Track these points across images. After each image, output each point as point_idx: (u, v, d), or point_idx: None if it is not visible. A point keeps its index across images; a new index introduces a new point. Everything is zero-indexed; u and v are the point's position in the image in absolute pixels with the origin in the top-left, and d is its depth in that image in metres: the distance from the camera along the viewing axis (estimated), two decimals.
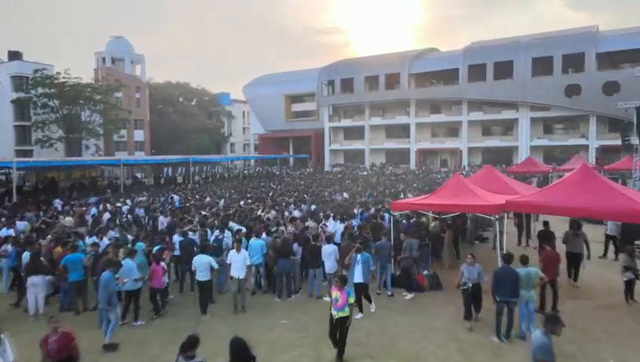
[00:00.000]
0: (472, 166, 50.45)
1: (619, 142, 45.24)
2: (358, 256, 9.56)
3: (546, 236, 11.44)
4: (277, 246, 11.01)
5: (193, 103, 69.92)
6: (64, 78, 45.60)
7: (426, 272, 11.83)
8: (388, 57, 57.86)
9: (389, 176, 35.63)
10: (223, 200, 20.25)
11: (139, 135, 57.55)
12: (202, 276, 9.92)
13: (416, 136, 54.98)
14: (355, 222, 13.65)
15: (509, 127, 51.93)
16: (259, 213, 16.67)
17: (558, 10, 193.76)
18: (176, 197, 21.75)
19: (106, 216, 16.56)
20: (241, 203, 19.65)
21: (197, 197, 22.02)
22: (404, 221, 13.95)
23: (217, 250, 11.65)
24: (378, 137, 58.58)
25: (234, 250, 10.05)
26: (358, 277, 9.47)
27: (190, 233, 12.42)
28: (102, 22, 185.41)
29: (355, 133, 60.01)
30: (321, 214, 14.83)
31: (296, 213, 15.97)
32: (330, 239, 11.02)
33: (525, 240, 16.17)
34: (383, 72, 55.85)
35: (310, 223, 14.01)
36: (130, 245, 11.53)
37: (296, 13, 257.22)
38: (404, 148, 55.65)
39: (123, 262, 9.25)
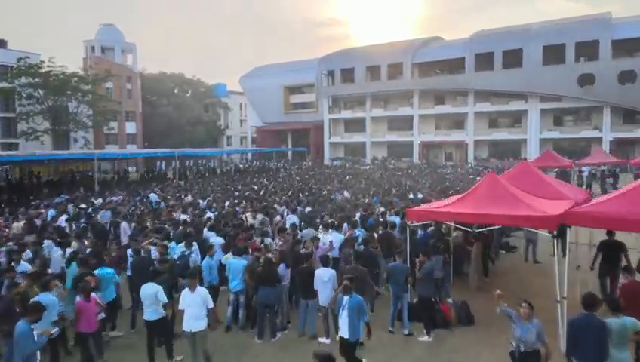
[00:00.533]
0: (479, 160, 47.72)
1: (634, 134, 42.80)
2: (345, 298, 6.61)
3: (613, 248, 8.63)
4: (257, 271, 8.23)
5: (188, 95, 66.86)
6: (48, 66, 42.74)
7: (451, 300, 9.05)
8: (390, 46, 54.84)
9: (394, 171, 32.80)
10: (205, 201, 17.41)
11: (131, 127, 54.64)
12: (150, 313, 7.15)
13: (420, 128, 52.06)
14: (358, 233, 10.81)
15: (517, 119, 49.02)
16: (245, 216, 13.92)
17: (559, 3, 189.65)
18: (153, 197, 18.91)
19: (62, 221, 13.80)
20: (227, 203, 16.87)
21: (177, 195, 19.17)
22: (418, 230, 11.17)
23: (183, 271, 8.91)
24: (380, 129, 55.66)
25: (187, 289, 6.89)
26: (343, 329, 6.55)
27: (152, 247, 9.67)
28: (94, 11, 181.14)
29: (356, 125, 57.08)
30: (318, 220, 12.04)
31: (290, 218, 13.15)
32: (325, 261, 8.16)
33: (561, 250, 13.36)
34: (385, 61, 52.81)
35: (306, 232, 11.26)
36: (65, 266, 8.79)
37: (295, 5, 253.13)
38: (407, 140, 52.77)
39: (40, 299, 6.47)
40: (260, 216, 13.23)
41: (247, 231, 11.38)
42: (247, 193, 19.59)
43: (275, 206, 15.55)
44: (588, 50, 42.28)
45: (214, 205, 16.48)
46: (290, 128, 62.49)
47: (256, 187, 22.75)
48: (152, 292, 7.02)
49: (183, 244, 9.51)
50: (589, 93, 42.48)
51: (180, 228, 11.74)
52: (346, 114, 57.82)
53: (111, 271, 8.45)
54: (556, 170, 29.54)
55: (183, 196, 18.94)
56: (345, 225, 11.46)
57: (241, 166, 48.43)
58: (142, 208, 15.88)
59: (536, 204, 8.40)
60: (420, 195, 17.81)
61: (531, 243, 12.96)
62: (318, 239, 9.67)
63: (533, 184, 10.30)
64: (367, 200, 16.70)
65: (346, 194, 18.90)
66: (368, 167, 44.31)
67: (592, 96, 42.45)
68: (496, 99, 48.38)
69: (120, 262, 9.35)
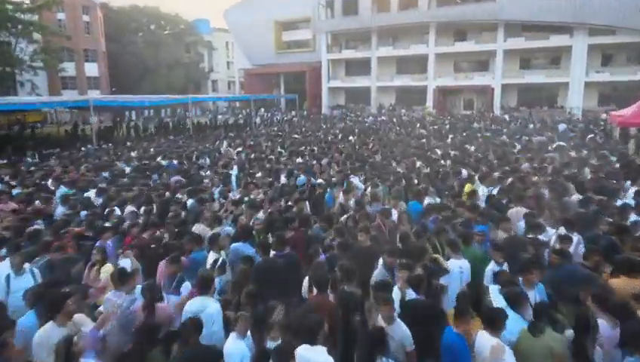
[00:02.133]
0: (506, 108, 38.04)
1: None
2: None
3: None
4: None
5: (166, 32, 55.50)
6: None
7: None
8: None
9: (414, 127, 23.32)
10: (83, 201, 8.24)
11: (92, 69, 44.11)
12: None
13: (436, 70, 41.77)
14: None
15: (555, 58, 38.70)
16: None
17: None
18: None
19: None
20: (109, 210, 7.75)
21: (43, 182, 9.99)
22: None
23: None
24: (387, 72, 45.14)
25: None
26: None
27: None
28: None
29: (360, 66, 46.42)
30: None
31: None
32: None
33: None
34: None
35: None
36: None
37: None
38: (420, 85, 42.55)
39: None
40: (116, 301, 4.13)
41: None
42: (173, 181, 10.27)
43: (197, 232, 6.43)
44: None
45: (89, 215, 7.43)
46: (283, 71, 51.95)
47: (204, 161, 13.39)
48: None
49: None
50: None
51: None
52: (347, 53, 46.99)
53: None
54: None
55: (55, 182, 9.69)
56: None
57: (220, 117, 38.63)
58: None
59: None
60: (482, 188, 8.72)
61: None
62: None
63: None
64: (395, 205, 7.53)
65: (358, 182, 9.69)
66: (374, 117, 34.58)
67: None
68: (531, 33, 37.88)
69: None
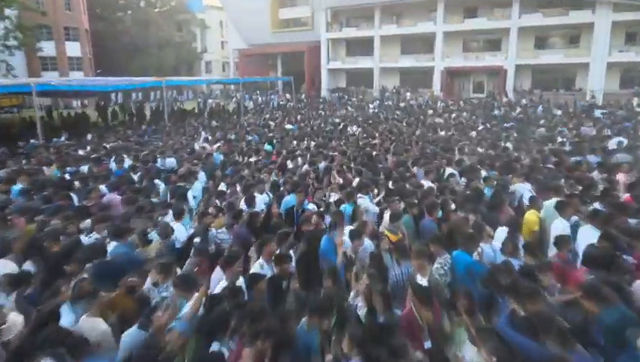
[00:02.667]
0: (520, 91, 34.59)
1: None
2: None
3: None
4: None
5: (156, 10, 51.45)
6: None
7: None
8: None
9: (425, 114, 20.00)
10: None
11: (74, 49, 40.27)
12: None
13: (443, 50, 38.10)
14: None
15: (574, 37, 35.00)
16: None
17: None
18: None
19: None
20: None
21: None
22: None
23: None
24: (391, 52, 41.39)
25: None
26: None
27: None
28: None
29: (361, 46, 42.57)
30: None
31: None
32: None
33: None
34: None
35: None
36: None
37: None
38: (426, 66, 38.90)
39: None
40: None
41: None
42: (105, 202, 7.05)
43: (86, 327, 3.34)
44: None
45: None
46: (280, 51, 48.08)
47: (167, 165, 10.16)
48: None
49: None
50: None
51: None
52: (348, 32, 43.12)
53: None
54: None
55: None
56: None
57: (210, 101, 35.15)
58: None
59: None
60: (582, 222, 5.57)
61: None
62: None
63: None
64: (423, 268, 4.42)
65: (365, 203, 6.54)
66: (379, 102, 31.20)
67: None
68: (549, 9, 34.15)
69: None
